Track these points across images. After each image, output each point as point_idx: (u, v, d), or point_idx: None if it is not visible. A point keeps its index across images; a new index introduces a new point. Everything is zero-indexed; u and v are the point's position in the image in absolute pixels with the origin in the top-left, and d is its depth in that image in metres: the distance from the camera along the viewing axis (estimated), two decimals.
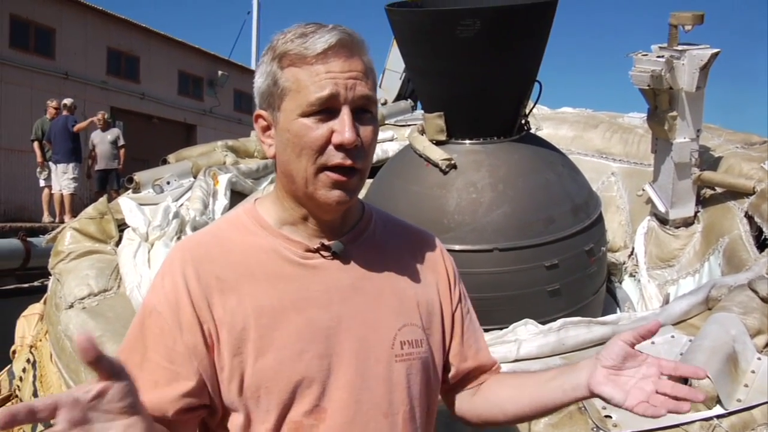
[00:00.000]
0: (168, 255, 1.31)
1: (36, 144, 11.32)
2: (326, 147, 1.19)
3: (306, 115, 1.19)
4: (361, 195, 3.65)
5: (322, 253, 1.29)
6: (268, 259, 1.27)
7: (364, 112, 1.23)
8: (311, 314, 1.24)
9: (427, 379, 1.35)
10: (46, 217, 11.58)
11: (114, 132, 11.86)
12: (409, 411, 1.30)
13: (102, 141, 11.69)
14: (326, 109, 1.19)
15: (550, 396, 1.34)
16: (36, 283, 7.51)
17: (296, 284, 1.26)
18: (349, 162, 1.20)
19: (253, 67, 24.29)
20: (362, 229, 1.36)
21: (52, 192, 11.33)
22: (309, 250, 1.29)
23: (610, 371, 1.25)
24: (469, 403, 1.49)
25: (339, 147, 1.19)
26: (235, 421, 1.24)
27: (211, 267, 1.24)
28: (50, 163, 11.25)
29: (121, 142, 11.76)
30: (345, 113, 1.19)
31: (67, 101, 11.28)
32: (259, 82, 1.27)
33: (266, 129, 1.28)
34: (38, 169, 11.59)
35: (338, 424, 1.24)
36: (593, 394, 1.27)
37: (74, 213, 10.49)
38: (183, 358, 1.20)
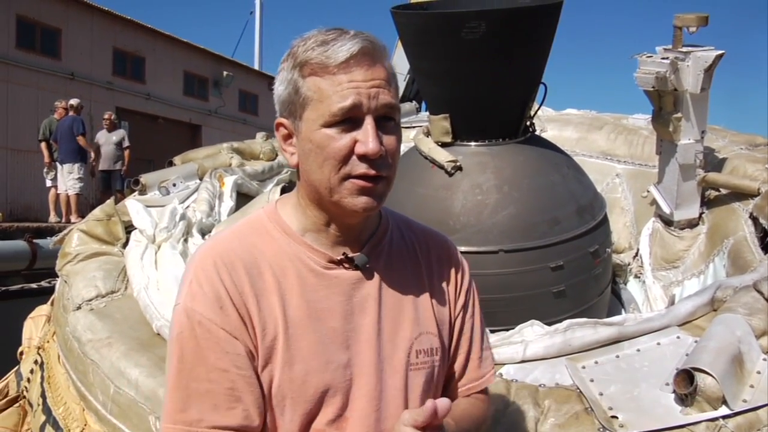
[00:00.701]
0: (197, 260, 1.27)
1: (44, 144, 11.34)
2: (350, 157, 1.18)
3: (328, 125, 1.18)
4: None
5: (344, 264, 1.28)
6: (292, 267, 1.26)
7: (388, 120, 1.22)
8: (334, 324, 1.25)
9: (439, 385, 1.37)
10: (52, 217, 11.60)
11: (119, 133, 11.88)
12: None
13: (107, 141, 11.72)
14: (349, 119, 1.18)
15: None
16: (44, 283, 7.54)
17: (319, 294, 1.26)
18: (373, 172, 1.19)
19: (256, 67, 24.35)
20: (381, 236, 1.36)
21: (58, 192, 11.35)
22: (332, 261, 1.28)
23: None
24: None
25: (362, 157, 1.18)
26: None
27: (243, 275, 1.23)
28: (56, 163, 11.27)
29: (126, 143, 11.78)
30: (368, 123, 1.18)
31: (74, 101, 11.30)
32: (280, 89, 1.25)
33: (288, 137, 1.27)
34: (45, 170, 11.61)
35: None
36: None
37: (80, 213, 10.53)
38: (246, 362, 1.19)
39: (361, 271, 1.29)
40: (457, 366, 1.45)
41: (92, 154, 11.22)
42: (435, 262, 1.42)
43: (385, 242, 1.36)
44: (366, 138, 1.17)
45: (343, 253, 1.28)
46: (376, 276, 1.31)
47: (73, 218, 10.54)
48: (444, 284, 1.41)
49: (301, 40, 1.23)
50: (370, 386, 1.26)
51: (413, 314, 1.33)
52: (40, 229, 10.04)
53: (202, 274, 1.22)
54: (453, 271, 1.44)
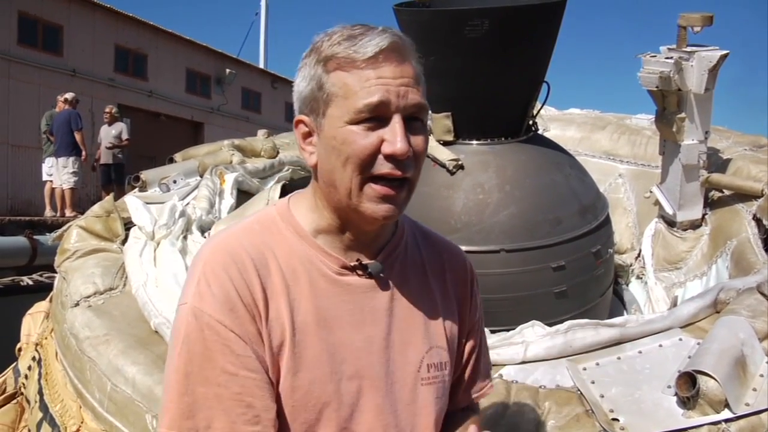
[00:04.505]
0: (205, 257, 1.19)
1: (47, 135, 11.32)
2: (375, 156, 1.13)
3: (354, 122, 1.12)
4: None
5: (357, 271, 1.23)
6: (304, 271, 1.20)
7: (415, 120, 1.16)
8: (344, 334, 1.20)
9: (446, 400, 1.33)
10: (48, 212, 11.56)
11: (118, 126, 11.85)
12: None
13: (107, 136, 11.73)
14: (376, 117, 1.12)
15: None
16: (35, 275, 7.53)
17: (330, 301, 1.20)
18: (398, 173, 1.13)
19: (261, 65, 24.36)
20: (396, 244, 1.30)
21: (54, 186, 11.31)
22: (345, 267, 1.23)
23: None
24: None
25: (389, 157, 1.12)
26: None
27: (254, 275, 1.16)
28: (52, 157, 11.23)
29: (125, 135, 11.75)
30: (396, 122, 1.12)
31: (69, 95, 11.23)
32: (302, 85, 1.19)
33: (307, 135, 1.21)
34: (45, 155, 11.52)
35: None
36: None
37: (74, 207, 10.52)
38: (257, 365, 1.13)
39: (374, 279, 1.24)
40: (460, 379, 1.42)
41: (84, 153, 11.16)
42: (449, 275, 1.38)
43: (399, 250, 1.30)
44: (394, 137, 1.12)
45: (357, 260, 1.23)
46: (389, 286, 1.26)
47: (67, 212, 10.51)
48: (456, 299, 1.37)
49: (326, 35, 1.17)
50: (378, 399, 1.21)
51: (424, 327, 1.28)
52: (33, 222, 9.96)
53: (210, 273, 1.15)
54: (466, 286, 1.40)
